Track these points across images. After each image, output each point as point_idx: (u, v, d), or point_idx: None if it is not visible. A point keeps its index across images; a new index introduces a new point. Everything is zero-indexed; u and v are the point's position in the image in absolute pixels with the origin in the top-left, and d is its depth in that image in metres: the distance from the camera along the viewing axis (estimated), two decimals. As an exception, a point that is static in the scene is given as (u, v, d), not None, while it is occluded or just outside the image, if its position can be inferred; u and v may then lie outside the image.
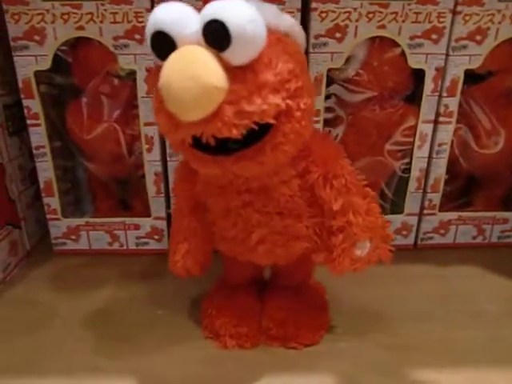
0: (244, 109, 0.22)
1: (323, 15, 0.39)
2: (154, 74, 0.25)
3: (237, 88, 0.22)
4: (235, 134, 0.23)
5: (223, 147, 0.24)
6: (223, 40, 0.21)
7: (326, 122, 0.43)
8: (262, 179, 0.28)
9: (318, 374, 0.32)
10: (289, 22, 0.26)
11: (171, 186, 0.42)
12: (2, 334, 0.36)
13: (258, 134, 0.24)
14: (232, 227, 0.30)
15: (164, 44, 0.23)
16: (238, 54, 0.22)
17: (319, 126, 0.42)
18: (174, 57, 0.22)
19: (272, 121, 0.23)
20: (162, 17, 0.22)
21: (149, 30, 0.23)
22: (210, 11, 0.22)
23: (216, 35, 0.21)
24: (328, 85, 0.42)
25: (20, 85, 0.41)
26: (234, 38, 0.21)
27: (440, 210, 0.47)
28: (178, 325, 0.37)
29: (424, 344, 0.34)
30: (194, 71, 0.22)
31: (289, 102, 0.24)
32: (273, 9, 0.26)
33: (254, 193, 0.28)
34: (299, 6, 0.39)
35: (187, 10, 0.23)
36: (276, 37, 0.24)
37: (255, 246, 0.30)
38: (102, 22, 0.39)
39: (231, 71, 0.22)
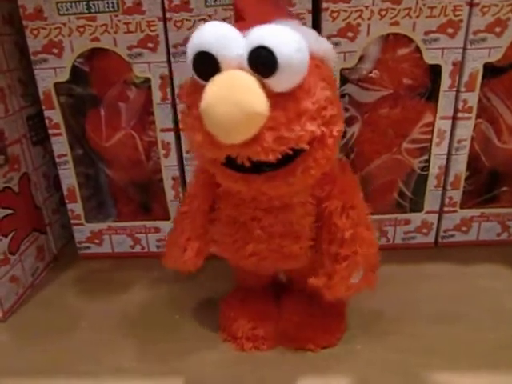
0: (283, 135, 0.23)
1: (334, 15, 0.38)
2: (190, 91, 0.25)
3: (277, 115, 0.23)
4: (271, 158, 0.23)
5: (255, 168, 0.24)
6: (270, 68, 0.21)
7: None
8: (283, 198, 0.28)
9: (335, 376, 0.32)
10: (325, 46, 0.26)
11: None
12: (31, 335, 0.38)
13: (291, 157, 0.24)
14: (231, 234, 0.30)
15: (207, 65, 0.22)
16: (282, 82, 0.22)
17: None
18: (218, 81, 0.22)
19: (306, 146, 0.24)
20: (208, 37, 0.22)
21: (192, 50, 0.23)
22: (258, 37, 0.22)
23: (263, 62, 0.22)
24: (342, 84, 0.41)
25: (41, 96, 0.42)
26: (281, 67, 0.21)
27: (462, 207, 0.46)
28: (197, 327, 0.38)
29: (444, 346, 0.34)
30: (238, 98, 0.22)
31: (323, 128, 0.24)
32: (313, 33, 0.26)
33: (267, 211, 0.29)
34: (310, 7, 0.38)
35: (233, 32, 0.23)
36: (315, 63, 0.24)
37: (248, 256, 0.30)
38: (116, 32, 0.40)
39: (273, 97, 0.23)
